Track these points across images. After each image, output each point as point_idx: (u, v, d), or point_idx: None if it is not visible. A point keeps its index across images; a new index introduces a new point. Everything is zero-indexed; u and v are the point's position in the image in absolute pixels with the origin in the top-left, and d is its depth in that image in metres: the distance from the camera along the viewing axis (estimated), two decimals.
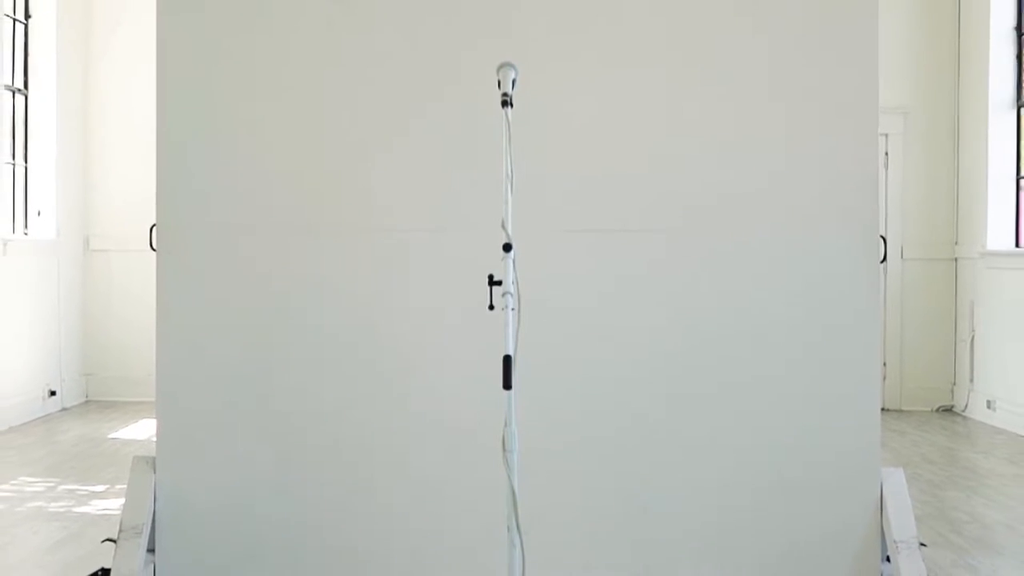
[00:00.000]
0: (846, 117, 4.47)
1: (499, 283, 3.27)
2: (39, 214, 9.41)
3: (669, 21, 4.47)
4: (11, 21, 8.97)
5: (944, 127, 9.80)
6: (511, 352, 3.13)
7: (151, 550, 4.42)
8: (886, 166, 9.65)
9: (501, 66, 3.36)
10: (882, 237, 4.50)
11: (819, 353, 4.45)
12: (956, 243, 9.76)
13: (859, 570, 4.43)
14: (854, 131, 4.48)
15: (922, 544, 4.41)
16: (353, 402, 4.45)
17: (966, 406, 9.49)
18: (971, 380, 9.43)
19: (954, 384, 9.75)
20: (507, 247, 3.19)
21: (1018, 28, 9.17)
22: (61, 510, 5.92)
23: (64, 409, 9.41)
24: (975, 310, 9.39)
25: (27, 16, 9.30)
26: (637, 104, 4.47)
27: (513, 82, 3.34)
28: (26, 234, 9.23)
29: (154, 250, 4.49)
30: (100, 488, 6.40)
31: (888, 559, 4.40)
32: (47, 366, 9.22)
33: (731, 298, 4.44)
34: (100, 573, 4.32)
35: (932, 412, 9.68)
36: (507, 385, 3.14)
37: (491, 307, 3.36)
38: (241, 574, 4.46)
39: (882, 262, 4.50)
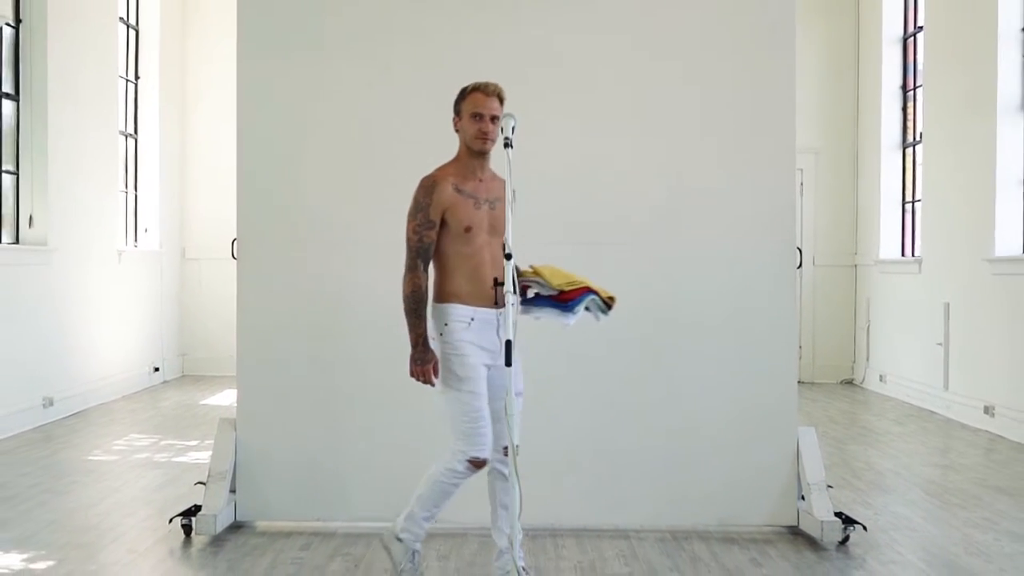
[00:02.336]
0: (771, 156, 4.48)
1: (502, 284, 3.24)
2: (146, 231, 9.41)
3: (633, 87, 4.49)
4: (124, 81, 8.98)
5: (846, 163, 9.80)
6: (511, 337, 3.12)
7: (232, 491, 4.43)
8: (801, 193, 9.65)
9: (504, 116, 3.34)
10: (798, 248, 4.51)
11: (749, 337, 4.46)
12: (856, 253, 9.76)
13: (780, 506, 4.43)
14: (777, 167, 4.49)
15: (829, 486, 4.42)
16: (390, 377, 4.41)
17: (863, 379, 9.49)
18: (867, 359, 9.43)
19: (854, 362, 9.75)
20: (508, 256, 3.16)
21: (903, 87, 9.18)
22: (163, 460, 5.92)
23: (165, 382, 9.41)
24: (870, 305, 9.39)
25: (136, 77, 9.30)
26: (608, 148, 4.48)
27: (513, 128, 3.33)
28: (136, 247, 9.23)
29: (235, 259, 4.49)
30: (193, 443, 6.41)
31: (803, 498, 4.40)
32: (152, 348, 9.22)
33: (681, 294, 4.44)
34: (193, 508, 4.32)
35: (837, 384, 9.68)
36: (508, 363, 3.12)
37: (495, 303, 3.34)
38: (301, 509, 4.46)
39: (798, 268, 4.50)
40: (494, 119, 3.38)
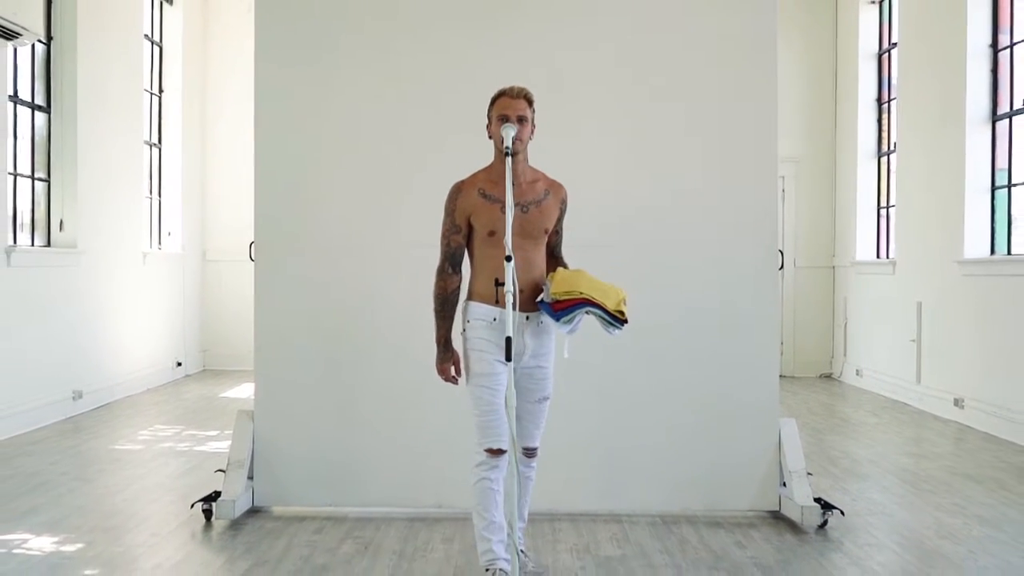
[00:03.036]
0: (754, 164, 4.48)
1: (502, 284, 3.20)
2: (169, 234, 9.41)
3: (626, 99, 4.48)
4: (149, 94, 8.97)
5: (825, 171, 9.80)
6: (511, 334, 3.09)
7: (250, 478, 4.43)
8: (783, 200, 9.65)
9: (504, 126, 3.29)
10: (780, 251, 4.51)
11: (735, 333, 4.45)
12: (834, 255, 9.75)
13: (763, 492, 4.43)
14: (760, 174, 4.49)
15: (809, 473, 4.42)
16: (396, 373, 4.44)
17: (841, 373, 9.49)
18: (845, 354, 9.43)
19: (832, 357, 9.75)
20: (508, 258, 3.09)
21: (878, 99, 9.18)
22: (185, 449, 5.92)
23: (187, 376, 9.41)
24: (847, 304, 9.39)
25: (160, 91, 9.30)
26: (604, 156, 4.48)
27: (513, 138, 3.29)
28: (160, 249, 9.22)
29: (252, 261, 4.49)
30: (213, 433, 6.41)
31: (784, 484, 4.40)
32: (175, 344, 9.22)
33: (672, 294, 4.44)
34: (213, 495, 4.32)
35: (816, 378, 9.67)
36: (508, 358, 3.08)
37: (496, 302, 3.31)
38: (314, 495, 4.46)
39: (780, 269, 4.50)
40: (521, 120, 3.28)
